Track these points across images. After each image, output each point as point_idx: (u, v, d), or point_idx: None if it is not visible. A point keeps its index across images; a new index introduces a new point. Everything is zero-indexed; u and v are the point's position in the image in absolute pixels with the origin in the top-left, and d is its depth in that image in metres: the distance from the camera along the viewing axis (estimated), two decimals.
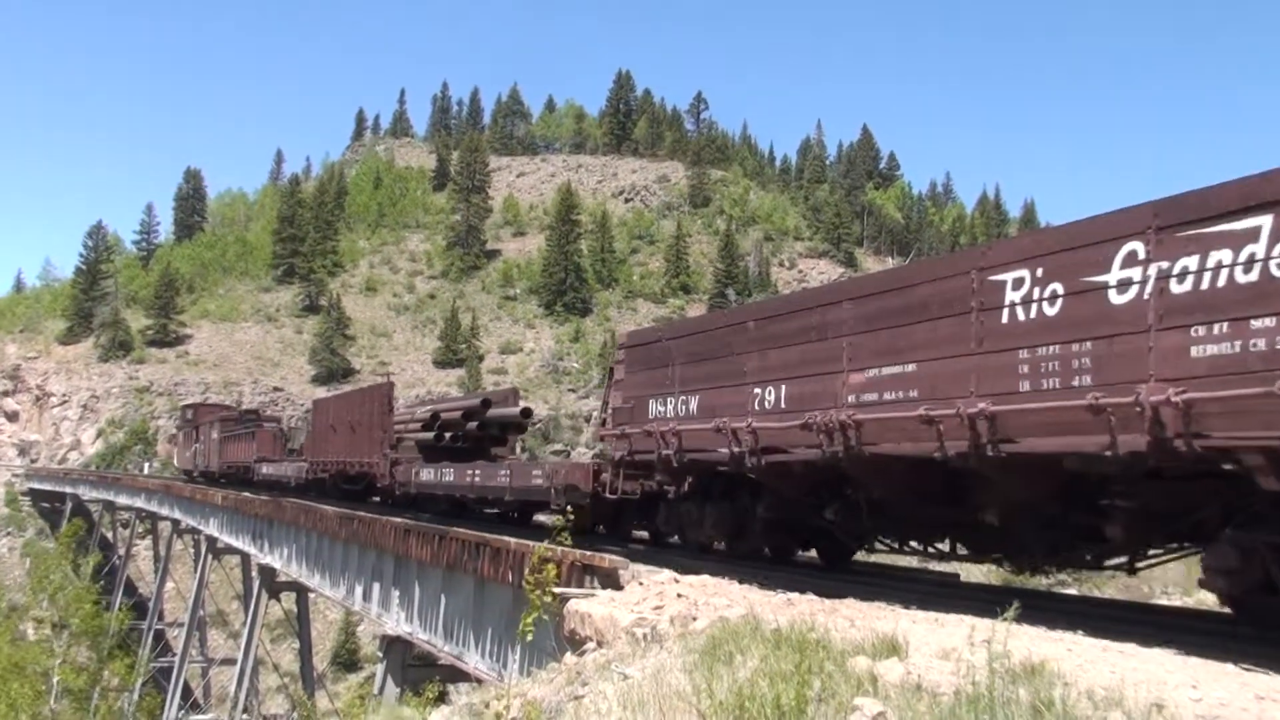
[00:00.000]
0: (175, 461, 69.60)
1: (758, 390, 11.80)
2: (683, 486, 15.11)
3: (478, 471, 20.50)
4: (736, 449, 11.96)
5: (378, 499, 30.88)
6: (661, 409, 13.97)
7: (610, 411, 15.82)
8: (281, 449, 43.57)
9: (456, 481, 21.38)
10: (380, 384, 30.19)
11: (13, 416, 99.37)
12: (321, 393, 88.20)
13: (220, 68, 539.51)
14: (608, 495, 15.89)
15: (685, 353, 13.73)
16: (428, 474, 23.23)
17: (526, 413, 25.99)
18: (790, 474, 11.91)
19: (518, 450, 31.25)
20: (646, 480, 15.66)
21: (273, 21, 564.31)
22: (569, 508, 14.16)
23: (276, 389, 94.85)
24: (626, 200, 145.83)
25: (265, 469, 40.57)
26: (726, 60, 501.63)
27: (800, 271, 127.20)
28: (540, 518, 24.77)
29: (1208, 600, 15.49)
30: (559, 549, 12.61)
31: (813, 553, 15.55)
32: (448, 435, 25.07)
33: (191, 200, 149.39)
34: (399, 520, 23.38)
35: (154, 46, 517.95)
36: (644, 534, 18.21)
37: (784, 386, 11.36)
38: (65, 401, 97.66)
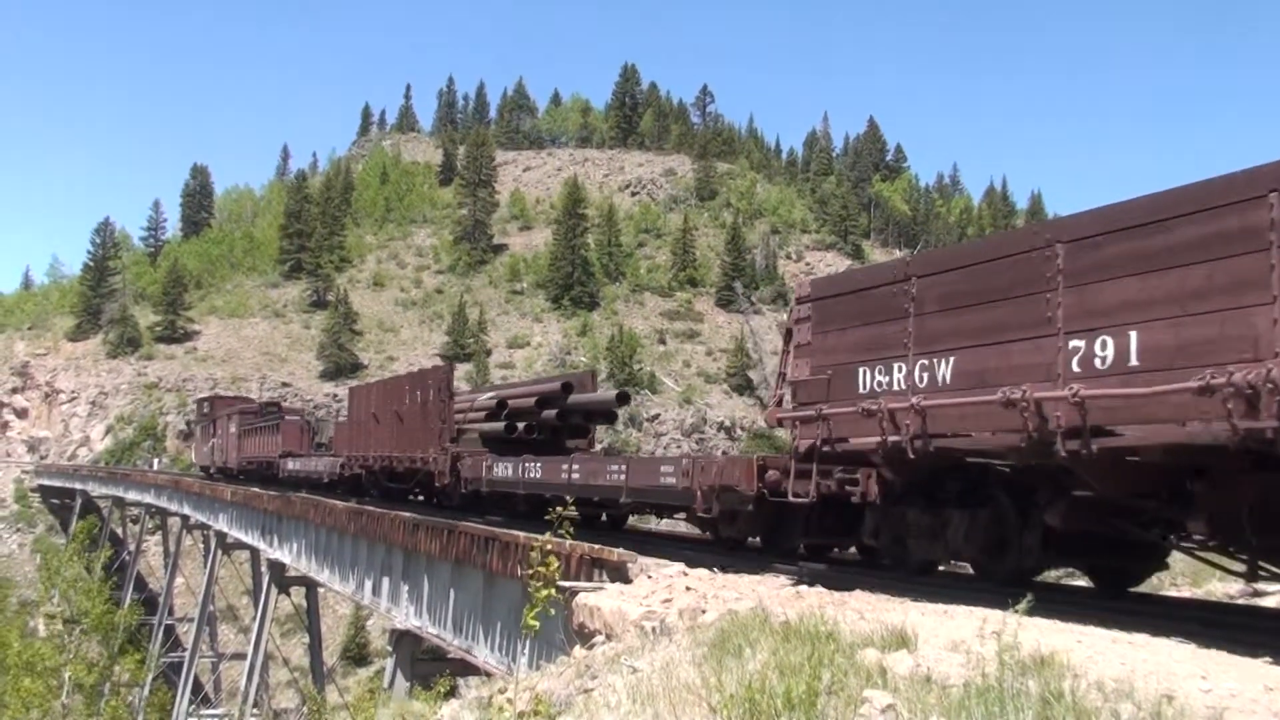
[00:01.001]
0: (192, 457, 68.65)
1: (1081, 342, 8.28)
2: (890, 486, 11.05)
3: (577, 466, 17.09)
4: (1037, 430, 8.53)
5: (434, 500, 26.46)
6: (883, 379, 10.44)
7: (789, 386, 12.07)
8: (308, 443, 41.06)
9: (547, 479, 17.92)
10: (437, 367, 26.66)
11: (22, 413, 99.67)
12: (330, 388, 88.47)
13: (226, 64, 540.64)
14: (788, 498, 11.87)
15: (936, 296, 9.98)
16: (504, 469, 19.85)
17: (623, 398, 23.11)
18: (1127, 466, 8.61)
19: (596, 444, 26.33)
20: (828, 479, 11.47)
21: (278, 17, 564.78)
22: (712, 513, 13.16)
23: (285, 384, 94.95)
24: (633, 194, 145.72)
25: (291, 464, 38.24)
26: (732, 53, 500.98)
27: (807, 264, 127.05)
28: (650, 524, 23.88)
29: (1216, 591, 15.48)
30: (566, 542, 12.55)
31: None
32: (520, 426, 22.38)
33: (199, 196, 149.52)
34: (407, 514, 23.37)
35: (160, 43, 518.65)
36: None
37: (1142, 332, 7.79)
38: (74, 398, 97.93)
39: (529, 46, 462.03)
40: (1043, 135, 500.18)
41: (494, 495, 21.07)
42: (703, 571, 12.14)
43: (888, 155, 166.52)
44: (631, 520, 21.84)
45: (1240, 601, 14.49)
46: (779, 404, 12.46)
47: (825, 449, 11.08)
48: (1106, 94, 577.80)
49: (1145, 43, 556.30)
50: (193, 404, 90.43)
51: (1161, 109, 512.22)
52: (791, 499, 11.76)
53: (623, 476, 15.60)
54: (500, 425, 22.53)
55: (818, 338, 11.47)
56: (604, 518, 20.00)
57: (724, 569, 12.21)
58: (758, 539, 14.30)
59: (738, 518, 13.30)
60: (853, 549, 14.38)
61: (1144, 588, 11.66)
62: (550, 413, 22.11)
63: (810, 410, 11.21)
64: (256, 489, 41.23)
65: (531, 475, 18.38)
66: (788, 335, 12.37)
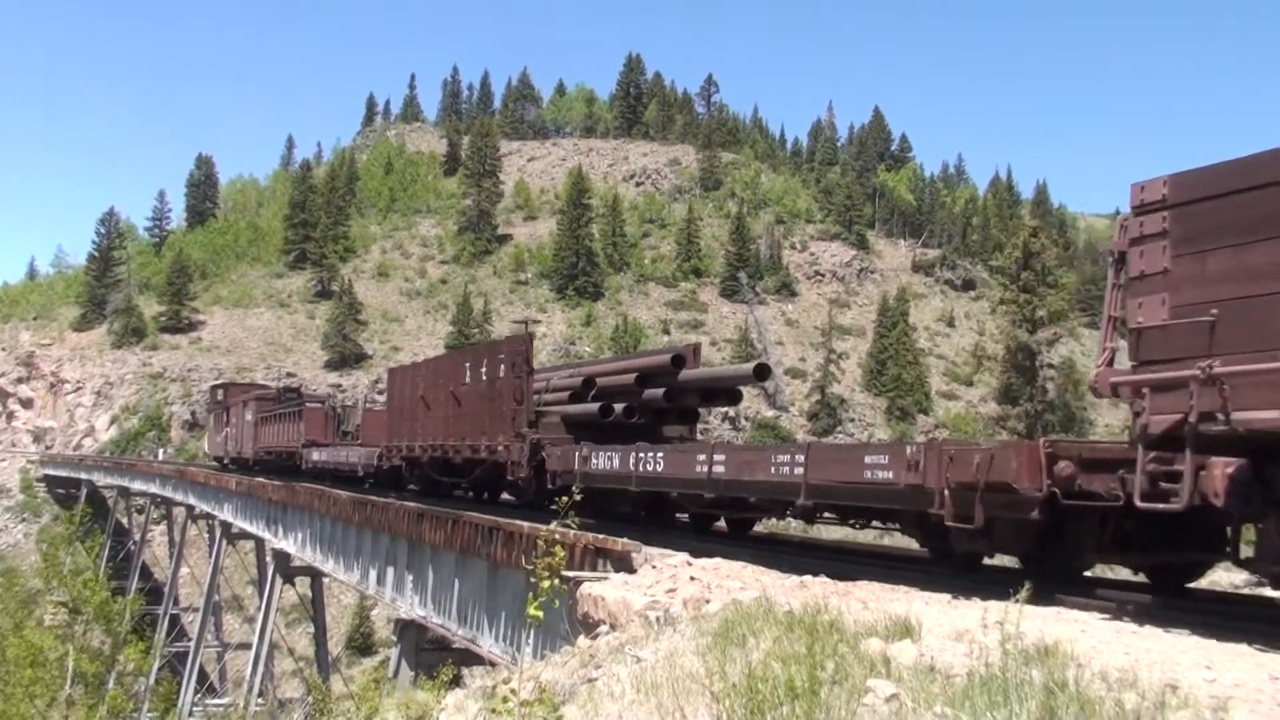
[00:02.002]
0: (206, 448, 66.24)
1: None
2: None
3: (722, 457, 13.23)
4: None
5: (495, 497, 23.45)
6: None
7: (1135, 338, 8.40)
8: (333, 431, 38.07)
9: (675, 473, 14.32)
10: (512, 337, 22.62)
11: (27, 403, 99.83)
12: (334, 378, 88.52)
13: (231, 54, 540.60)
14: (1100, 499, 8.59)
15: None
16: (606, 461, 16.08)
17: (762, 371, 17.82)
18: None
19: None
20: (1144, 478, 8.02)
21: (283, 7, 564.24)
22: (974, 521, 9.38)
23: (289, 374, 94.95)
24: (637, 184, 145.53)
25: (316, 455, 35.45)
26: (737, 43, 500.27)
27: (812, 254, 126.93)
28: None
29: (1221, 582, 15.45)
30: (570, 532, 12.59)
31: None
32: (618, 408, 18.99)
33: (203, 186, 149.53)
34: (412, 504, 23.42)
35: (166, 34, 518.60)
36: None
37: None
38: (79, 388, 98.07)
39: (533, 36, 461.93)
40: (1047, 126, 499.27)
41: (591, 491, 15.87)
42: (707, 561, 12.15)
43: (893, 145, 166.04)
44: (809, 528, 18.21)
45: (1246, 591, 14.46)
46: (1109, 364, 8.97)
47: (1209, 428, 7.46)
48: (1111, 84, 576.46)
49: (1149, 33, 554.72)
50: (205, 391, 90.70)
51: (1166, 100, 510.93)
52: (1143, 504, 7.91)
53: (799, 469, 11.76)
54: (592, 407, 19.15)
55: (1184, 262, 7.98)
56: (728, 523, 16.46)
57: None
58: (1017, 557, 10.77)
59: (996, 528, 9.74)
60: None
61: (1136, 576, 11.64)
62: (654, 392, 18.80)
63: (1173, 370, 7.79)
64: (262, 479, 41.24)
65: (649, 468, 14.95)
66: (1118, 263, 8.86)
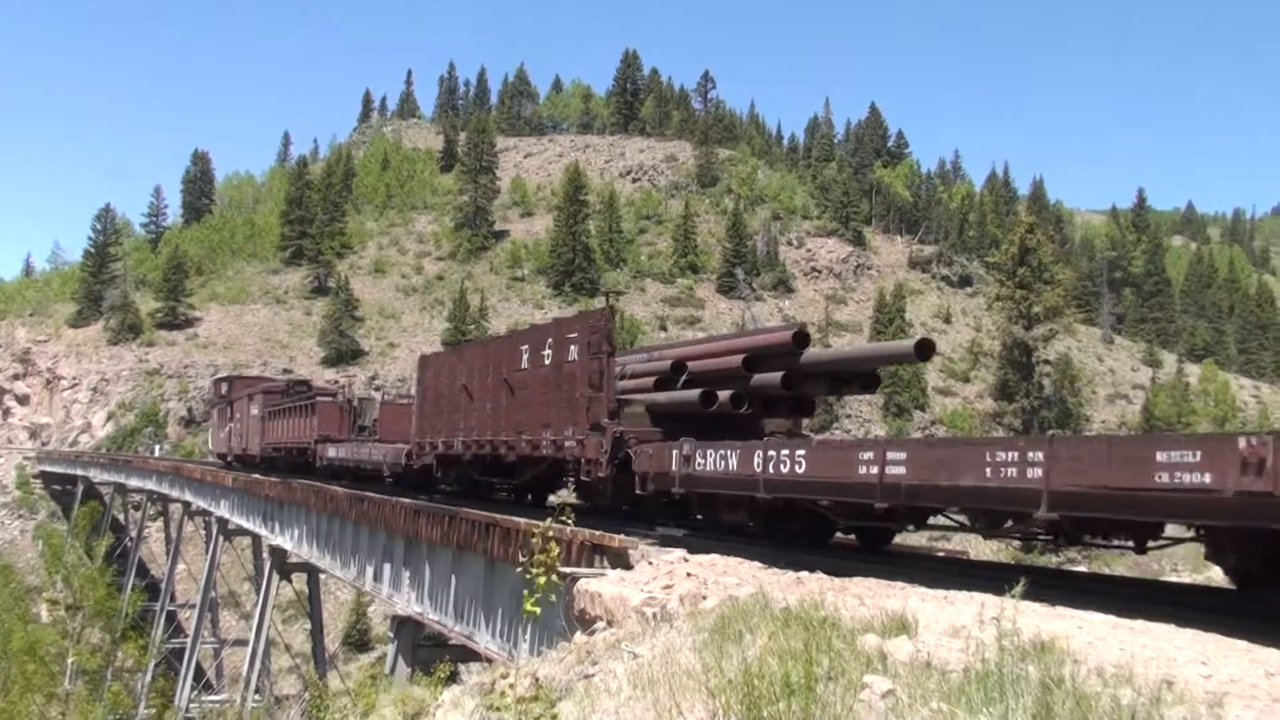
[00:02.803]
0: (209, 444, 63.52)
1: None
2: None
3: (900, 454, 10.33)
4: None
5: (554, 498, 19.10)
6: None
7: None
8: (349, 426, 35.79)
9: (825, 474, 11.39)
10: (588, 312, 19.15)
11: (24, 400, 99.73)
12: (331, 375, 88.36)
13: (228, 50, 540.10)
14: None
15: None
16: (718, 460, 13.21)
17: (926, 348, 13.54)
18: None
19: None
20: None
21: (279, 4, 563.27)
22: None
23: (286, 370, 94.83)
24: (634, 180, 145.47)
25: (332, 452, 33.00)
26: (734, 39, 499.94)
27: (809, 250, 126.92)
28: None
29: (1217, 577, 15.48)
30: (567, 528, 12.60)
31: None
32: (724, 395, 15.75)
33: (199, 183, 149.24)
34: (408, 501, 23.44)
35: (162, 30, 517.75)
36: None
37: None
38: (75, 384, 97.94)
39: (530, 32, 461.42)
40: (1044, 122, 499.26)
41: (695, 497, 14.50)
42: (703, 558, 12.16)
43: (889, 141, 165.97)
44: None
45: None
46: None
47: None
48: (1109, 82, 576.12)
49: (1148, 31, 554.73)
50: (202, 387, 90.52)
51: (1164, 98, 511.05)
52: None
53: (1036, 471, 8.99)
54: (689, 395, 16.07)
55: None
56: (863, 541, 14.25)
57: None
58: None
59: None
60: None
61: (1145, 573, 11.65)
62: (768, 377, 15.54)
63: None
64: (259, 475, 41.19)
65: (785, 470, 11.80)
66: None
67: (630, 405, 16.95)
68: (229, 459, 50.74)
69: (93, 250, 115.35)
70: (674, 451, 14.17)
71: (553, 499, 19.84)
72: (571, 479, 18.13)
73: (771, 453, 12.10)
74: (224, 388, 55.35)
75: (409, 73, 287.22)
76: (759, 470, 12.19)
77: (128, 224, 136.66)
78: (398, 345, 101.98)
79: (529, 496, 21.89)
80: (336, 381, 49.70)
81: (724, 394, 15.74)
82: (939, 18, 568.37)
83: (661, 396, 17.02)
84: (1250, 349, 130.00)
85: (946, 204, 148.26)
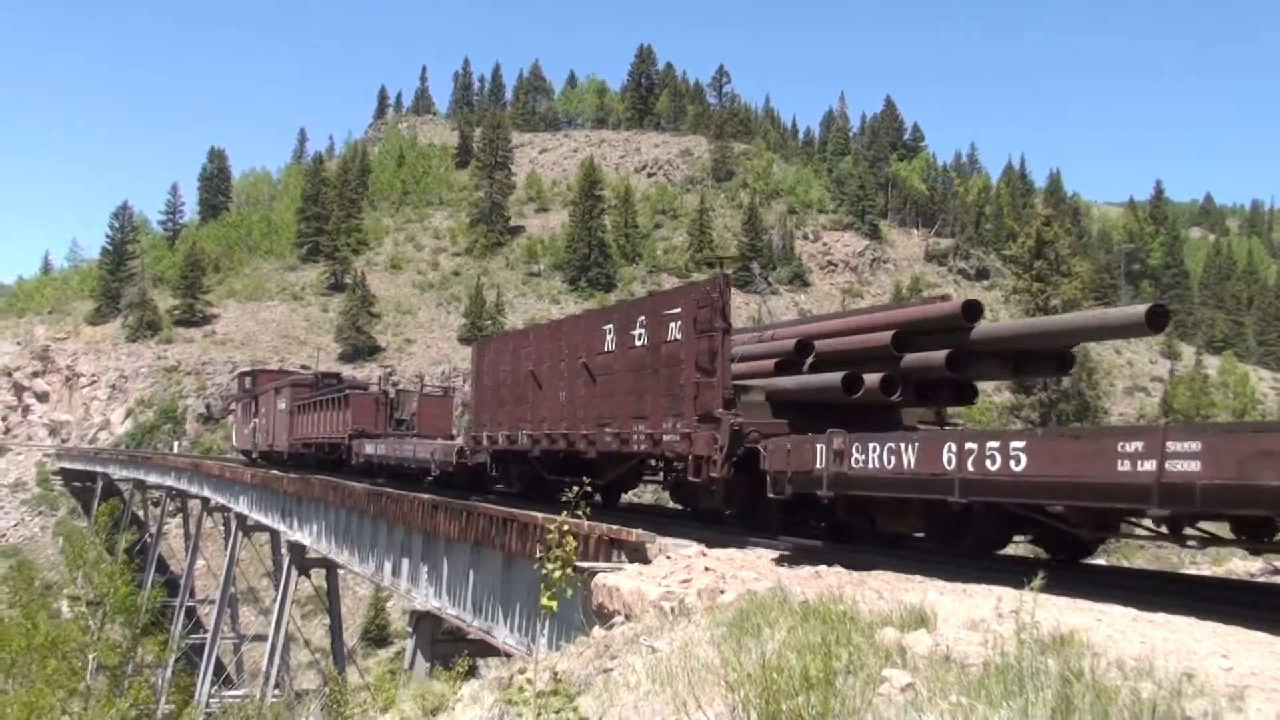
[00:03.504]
0: (233, 441, 62.03)
1: None
2: None
3: (1188, 444, 7.81)
4: None
5: (676, 501, 18.55)
6: None
7: None
8: (385, 420, 33.88)
9: (1055, 473, 8.87)
10: (697, 284, 15.49)
11: (43, 397, 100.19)
12: (348, 371, 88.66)
13: (243, 48, 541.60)
14: None
15: None
16: (884, 456, 10.73)
17: (1158, 317, 10.96)
18: None
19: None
20: None
21: (295, 2, 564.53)
22: None
23: (304, 367, 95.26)
24: (649, 175, 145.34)
25: (370, 448, 31.13)
26: (748, 33, 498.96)
27: (825, 244, 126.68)
28: None
29: (1237, 570, 15.40)
30: (584, 523, 12.45)
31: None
32: (873, 379, 13.36)
33: (216, 180, 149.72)
34: (426, 496, 23.47)
35: (178, 28, 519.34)
36: None
37: None
38: (94, 382, 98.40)
39: (544, 28, 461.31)
40: (1061, 115, 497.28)
41: (845, 501, 11.76)
42: (721, 552, 12.16)
43: (905, 134, 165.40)
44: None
45: (1262, 580, 14.43)
46: None
47: None
48: (1126, 73, 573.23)
49: (1164, 22, 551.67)
50: (220, 384, 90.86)
51: (1181, 90, 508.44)
52: None
53: None
54: (828, 379, 13.68)
55: None
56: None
57: None
58: None
59: None
60: None
61: (1164, 565, 11.59)
62: (927, 357, 13.22)
63: None
64: (276, 471, 41.26)
65: (990, 467, 9.41)
66: None
67: (747, 393, 14.48)
68: (253, 455, 49.51)
69: (111, 248, 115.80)
70: (820, 446, 11.60)
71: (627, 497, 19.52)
72: (668, 478, 16.98)
73: (970, 446, 9.74)
74: (248, 382, 53.39)
75: (424, 69, 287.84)
76: (952, 468, 9.85)
77: (145, 221, 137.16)
78: (414, 341, 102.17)
79: (597, 497, 19.71)
80: (353, 378, 46.61)
81: (872, 377, 13.33)
82: (954, 10, 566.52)
83: (787, 382, 14.62)
84: (1269, 340, 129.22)
85: (963, 197, 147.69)
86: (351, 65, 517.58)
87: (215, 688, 49.35)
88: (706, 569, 10.98)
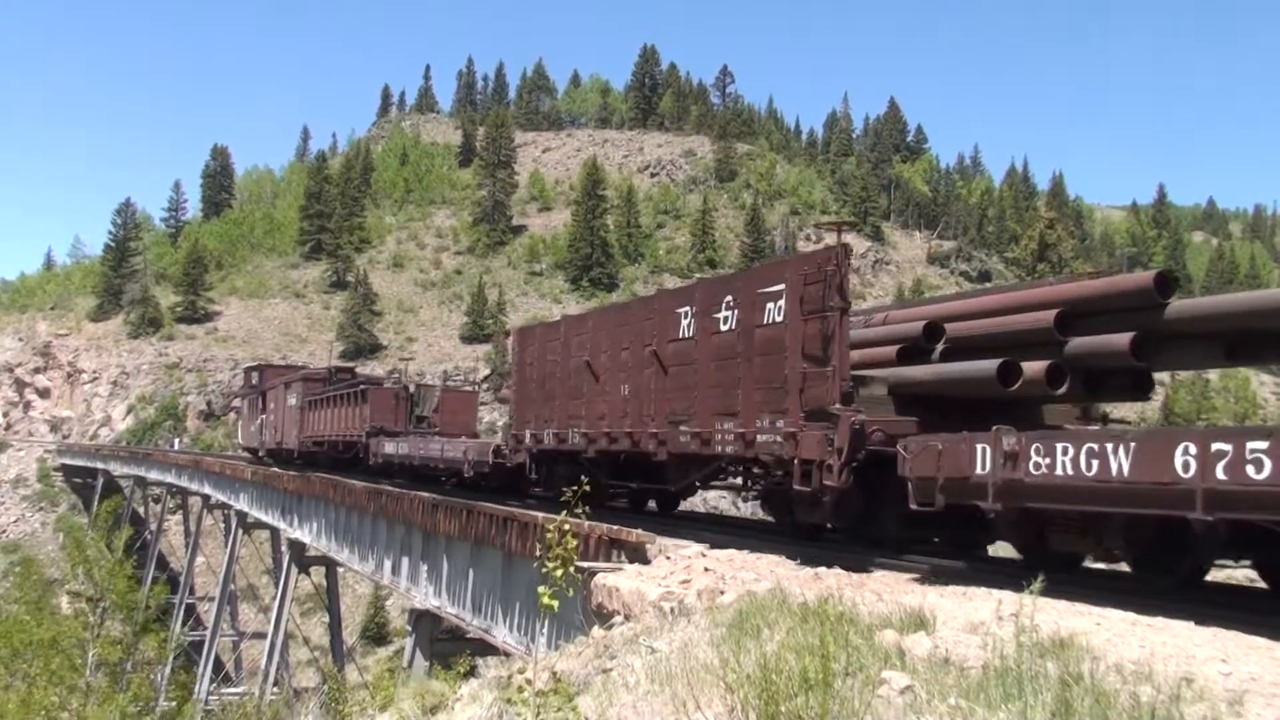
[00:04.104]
0: (239, 438, 60.74)
1: None
2: None
3: None
4: None
5: (769, 512, 15.84)
6: None
7: None
8: (404, 417, 32.08)
9: None
10: (807, 254, 13.50)
11: (44, 393, 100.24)
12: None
13: (246, 46, 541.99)
14: None
15: None
16: (1090, 458, 8.75)
17: None
18: None
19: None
20: None
21: None
22: None
23: (305, 365, 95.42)
24: (652, 175, 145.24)
25: (390, 447, 29.20)
26: (752, 34, 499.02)
27: (827, 246, 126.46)
28: None
29: (1237, 575, 15.40)
30: (584, 523, 12.37)
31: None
32: (1034, 368, 11.33)
33: (219, 177, 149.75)
34: (426, 495, 23.46)
35: (181, 25, 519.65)
36: None
37: None
38: (96, 378, 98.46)
39: (548, 27, 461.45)
40: (1064, 117, 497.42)
41: (1008, 517, 10.00)
42: (721, 553, 12.16)
43: (908, 136, 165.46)
44: None
45: (1262, 585, 14.41)
46: None
47: None
48: (1130, 76, 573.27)
49: (1168, 24, 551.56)
50: (229, 377, 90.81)
51: (1185, 93, 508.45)
52: None
53: None
54: (980, 368, 11.51)
55: None
56: None
57: None
58: None
59: None
60: None
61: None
62: (1103, 341, 11.16)
63: None
64: (277, 469, 41.23)
65: (1255, 476, 7.49)
66: None
67: (866, 385, 12.30)
68: (260, 454, 47.89)
69: (113, 244, 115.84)
70: (983, 448, 9.64)
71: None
72: (749, 484, 15.12)
73: (1221, 446, 7.67)
74: (254, 377, 51.51)
75: (427, 68, 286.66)
76: (1190, 476, 7.85)
77: (148, 218, 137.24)
78: (416, 340, 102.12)
79: (650, 504, 18.74)
80: (397, 371, 42.49)
81: (1034, 365, 11.30)
82: (958, 12, 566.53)
83: (920, 372, 12.57)
84: None
85: (965, 199, 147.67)
86: (355, 63, 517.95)
87: (214, 685, 49.39)
88: (706, 570, 10.98)
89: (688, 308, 15.17)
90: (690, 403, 14.76)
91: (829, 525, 13.60)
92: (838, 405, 11.43)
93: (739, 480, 16.00)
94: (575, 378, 18.63)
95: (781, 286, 12.93)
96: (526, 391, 21.08)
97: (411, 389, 33.93)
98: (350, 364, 61.02)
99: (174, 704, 45.58)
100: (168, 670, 49.70)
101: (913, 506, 10.27)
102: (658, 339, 15.79)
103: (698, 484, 16.99)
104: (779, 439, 12.48)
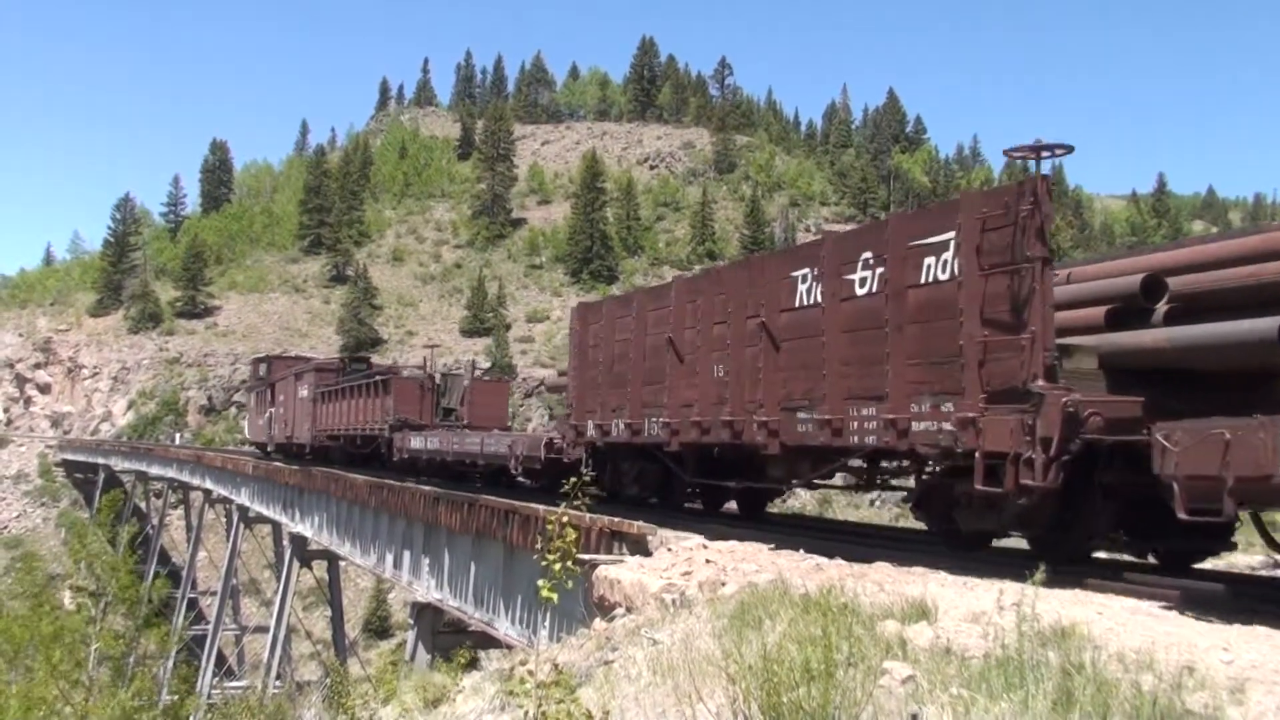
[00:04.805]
0: (246, 433, 59.15)
1: None
2: None
3: None
4: None
5: (931, 525, 12.23)
6: None
7: None
8: (431, 410, 29.92)
9: None
10: (990, 191, 11.02)
11: (45, 388, 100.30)
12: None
13: (245, 39, 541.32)
14: None
15: None
16: None
17: None
18: None
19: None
20: None
21: None
22: None
23: (301, 357, 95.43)
24: (651, 167, 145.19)
25: (417, 442, 26.66)
26: (750, 25, 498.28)
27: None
28: None
29: (1238, 563, 15.40)
30: (585, 515, 12.27)
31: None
32: None
33: (218, 172, 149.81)
34: (428, 488, 23.47)
35: (179, 19, 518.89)
36: None
37: None
38: (96, 373, 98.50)
39: (547, 20, 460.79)
40: (1063, 107, 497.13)
41: None
42: (722, 544, 12.16)
43: (907, 127, 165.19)
44: None
45: (1263, 574, 14.44)
46: None
47: None
48: (1128, 65, 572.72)
49: (1167, 13, 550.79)
50: (227, 371, 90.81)
51: (1184, 81, 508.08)
52: None
53: None
54: (1255, 329, 8.60)
55: None
56: None
57: None
58: None
59: None
60: None
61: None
62: None
63: None
64: (280, 463, 41.21)
65: None
66: None
67: (1070, 356, 9.78)
68: (269, 449, 46.32)
69: (112, 240, 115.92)
70: None
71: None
72: (872, 477, 13.17)
73: None
74: (262, 368, 49.65)
75: (426, 61, 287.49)
76: None
77: (147, 213, 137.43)
78: (416, 333, 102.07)
79: (729, 503, 16.95)
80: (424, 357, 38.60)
81: None
82: (957, 2, 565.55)
83: (1150, 337, 9.84)
84: None
85: (965, 189, 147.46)
86: (353, 57, 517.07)
87: (217, 679, 49.48)
88: (708, 561, 10.97)
89: (808, 269, 12.49)
90: (812, 384, 12.11)
91: (1016, 533, 11.06)
92: (1040, 382, 8.95)
93: (854, 476, 13.82)
94: (653, 359, 16.06)
95: (949, 236, 10.36)
96: (588, 377, 18.38)
97: (439, 379, 31.59)
98: (365, 354, 59.41)
99: (176, 698, 45.61)
100: (170, 664, 49.74)
101: (1181, 516, 7.77)
102: (766, 309, 13.11)
103: (814, 482, 14.50)
104: (947, 426, 9.96)
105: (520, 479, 21.89)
